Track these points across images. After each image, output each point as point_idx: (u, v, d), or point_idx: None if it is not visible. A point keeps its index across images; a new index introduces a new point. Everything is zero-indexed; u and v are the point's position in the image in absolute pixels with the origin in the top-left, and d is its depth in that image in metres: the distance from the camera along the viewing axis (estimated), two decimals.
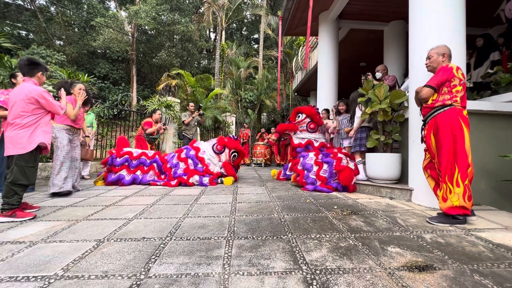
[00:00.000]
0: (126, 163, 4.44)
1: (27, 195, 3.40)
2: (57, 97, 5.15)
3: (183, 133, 6.65)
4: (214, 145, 4.75)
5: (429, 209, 2.68)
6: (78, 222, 2.32)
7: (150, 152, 4.76)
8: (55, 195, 3.45)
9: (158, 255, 1.64)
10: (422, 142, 2.47)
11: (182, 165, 4.49)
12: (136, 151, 4.61)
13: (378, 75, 4.21)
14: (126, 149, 4.59)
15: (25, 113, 2.54)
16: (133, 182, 4.40)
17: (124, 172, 4.39)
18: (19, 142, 2.47)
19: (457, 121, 2.15)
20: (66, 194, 3.53)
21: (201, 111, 6.99)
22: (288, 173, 4.85)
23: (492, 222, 2.28)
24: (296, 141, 4.72)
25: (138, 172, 4.47)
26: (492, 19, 5.29)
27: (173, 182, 4.25)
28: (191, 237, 1.94)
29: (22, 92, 2.54)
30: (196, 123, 6.79)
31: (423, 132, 2.43)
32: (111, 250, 1.71)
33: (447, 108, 2.20)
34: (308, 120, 4.80)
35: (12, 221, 2.33)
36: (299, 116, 4.91)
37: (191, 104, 6.84)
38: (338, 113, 4.98)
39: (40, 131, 2.60)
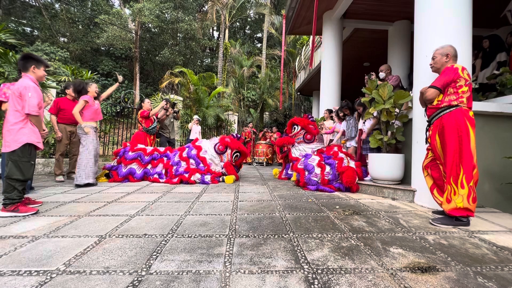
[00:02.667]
0: (139, 158, 4.52)
1: (37, 190, 3.42)
2: (61, 94, 5.14)
3: (159, 131, 6.12)
4: (216, 145, 4.74)
5: (432, 211, 2.65)
6: (80, 217, 2.33)
7: (161, 149, 4.89)
8: (85, 185, 3.87)
9: (159, 252, 1.64)
10: (426, 142, 2.44)
11: (183, 164, 4.51)
12: (149, 148, 4.73)
13: (382, 75, 4.18)
14: (140, 146, 4.69)
15: (15, 110, 2.47)
16: (145, 175, 4.48)
17: (135, 166, 4.47)
18: (6, 139, 2.45)
19: (463, 122, 2.12)
20: (92, 185, 3.96)
21: (176, 108, 6.59)
22: (290, 172, 4.84)
23: (495, 224, 2.26)
24: (294, 153, 4.68)
25: (149, 166, 4.58)
26: (499, 19, 5.24)
27: (175, 180, 4.26)
28: (192, 234, 1.94)
29: (14, 87, 2.51)
30: (172, 120, 6.40)
31: (428, 132, 2.41)
32: (113, 246, 1.71)
33: (453, 108, 2.18)
34: (303, 131, 4.78)
35: (15, 216, 2.34)
36: (294, 128, 4.89)
37: (162, 102, 6.20)
38: (343, 116, 4.96)
39: (28, 129, 2.50)
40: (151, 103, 5.81)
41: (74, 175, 4.61)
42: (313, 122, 4.99)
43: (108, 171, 4.47)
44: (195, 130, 7.52)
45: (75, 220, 2.26)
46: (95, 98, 4.30)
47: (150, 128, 5.36)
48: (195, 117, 7.82)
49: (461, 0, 2.79)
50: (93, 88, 4.12)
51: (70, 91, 4.51)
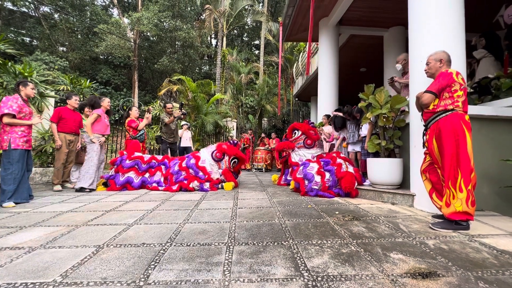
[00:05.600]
0: (136, 166, 4.50)
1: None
2: (60, 103, 5.15)
3: (161, 138, 5.97)
4: (213, 152, 4.72)
5: (431, 215, 2.65)
6: (78, 227, 2.30)
7: (159, 157, 4.88)
8: (80, 190, 4.14)
9: (157, 261, 1.62)
10: (424, 147, 2.45)
11: (183, 173, 4.49)
12: (146, 156, 4.70)
13: (398, 67, 3.95)
14: (137, 154, 4.68)
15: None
16: (142, 184, 4.46)
17: (132, 175, 4.44)
18: None
19: (460, 126, 2.14)
20: (90, 190, 4.20)
21: (183, 110, 6.28)
22: (289, 178, 4.82)
23: (495, 228, 2.26)
24: (294, 158, 4.69)
25: (147, 175, 4.56)
26: (492, 24, 5.33)
27: (174, 187, 4.24)
28: (191, 243, 1.92)
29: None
30: (176, 126, 6.19)
31: (424, 137, 2.43)
32: (111, 256, 1.69)
33: (449, 113, 2.20)
34: (304, 136, 4.79)
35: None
36: (295, 133, 4.89)
37: (168, 105, 6.11)
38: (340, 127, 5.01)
39: None
40: (143, 110, 5.79)
41: (68, 183, 4.67)
42: (313, 127, 5.00)
43: (105, 180, 4.44)
44: (186, 136, 7.34)
45: (72, 230, 2.24)
46: (107, 112, 4.45)
47: (137, 136, 5.29)
48: (184, 123, 7.65)
49: (453, 6, 2.84)
50: (105, 102, 4.48)
51: (71, 102, 4.54)
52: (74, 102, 4.56)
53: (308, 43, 4.88)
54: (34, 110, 4.67)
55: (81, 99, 6.08)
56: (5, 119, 3.22)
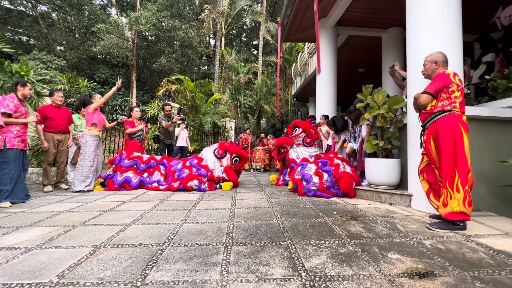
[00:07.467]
0: (135, 166, 4.50)
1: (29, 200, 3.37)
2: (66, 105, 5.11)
3: (159, 137, 5.97)
4: (215, 149, 4.78)
5: (428, 215, 2.66)
6: (75, 227, 2.29)
7: (158, 157, 4.88)
8: (77, 192, 4.07)
9: (155, 261, 1.61)
10: (421, 147, 2.46)
11: (186, 171, 4.50)
12: (145, 156, 4.70)
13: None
14: (136, 154, 4.68)
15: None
16: (141, 184, 4.45)
17: (131, 174, 4.43)
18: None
19: (457, 127, 2.15)
20: (88, 190, 4.17)
21: (182, 115, 6.20)
22: (287, 178, 4.83)
23: (492, 228, 2.27)
24: (292, 155, 4.71)
25: (145, 175, 4.56)
26: (488, 26, 5.36)
27: (176, 184, 4.25)
28: (189, 243, 1.91)
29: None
30: (174, 128, 6.25)
31: (422, 137, 2.44)
32: (108, 257, 1.69)
33: (447, 113, 2.21)
34: (304, 134, 4.81)
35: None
36: (296, 130, 4.92)
37: (167, 107, 6.00)
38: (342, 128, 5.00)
39: None
40: (140, 111, 5.67)
41: (63, 184, 4.58)
42: (315, 127, 5.03)
43: (103, 180, 4.42)
44: (182, 135, 7.18)
45: (69, 230, 2.23)
46: (100, 109, 4.44)
47: (136, 136, 5.27)
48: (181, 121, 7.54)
49: (451, 7, 2.86)
50: (97, 98, 4.44)
51: (53, 98, 4.34)
52: (56, 98, 4.32)
53: (316, 40, 4.90)
54: (30, 110, 4.64)
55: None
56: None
